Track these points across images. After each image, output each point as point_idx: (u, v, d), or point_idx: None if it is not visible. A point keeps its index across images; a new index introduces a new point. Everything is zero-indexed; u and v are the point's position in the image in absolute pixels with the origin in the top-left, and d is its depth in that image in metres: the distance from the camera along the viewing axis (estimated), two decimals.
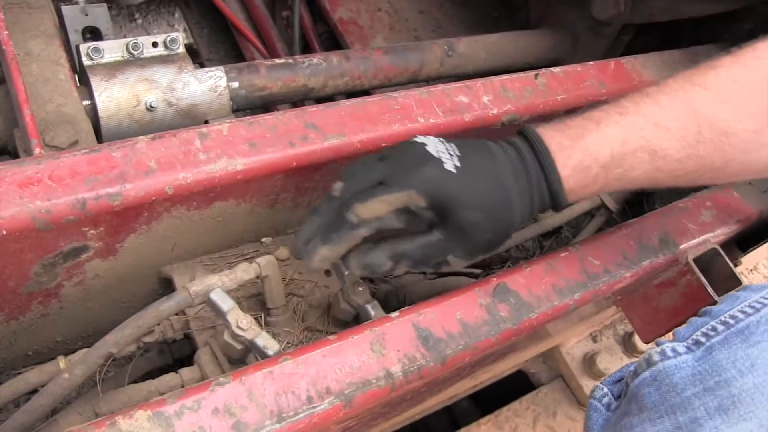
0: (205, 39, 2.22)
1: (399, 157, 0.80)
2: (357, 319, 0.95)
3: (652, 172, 0.83)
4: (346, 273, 0.88)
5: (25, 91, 0.86)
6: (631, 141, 0.82)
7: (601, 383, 1.02)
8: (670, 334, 1.05)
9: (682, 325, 0.93)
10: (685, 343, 0.87)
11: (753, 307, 0.87)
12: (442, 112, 0.99)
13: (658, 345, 0.89)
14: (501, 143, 0.84)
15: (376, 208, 0.77)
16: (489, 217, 0.79)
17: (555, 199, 0.82)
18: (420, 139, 0.81)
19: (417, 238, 0.80)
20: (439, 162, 0.78)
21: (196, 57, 2.13)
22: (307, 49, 1.89)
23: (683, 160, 0.82)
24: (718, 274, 1.05)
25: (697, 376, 0.83)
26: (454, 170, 0.77)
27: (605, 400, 0.99)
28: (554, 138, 0.83)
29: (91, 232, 0.78)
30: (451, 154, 0.79)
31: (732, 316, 0.87)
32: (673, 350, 0.87)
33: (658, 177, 0.85)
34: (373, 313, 0.91)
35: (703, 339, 0.87)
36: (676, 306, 1.08)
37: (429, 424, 1.54)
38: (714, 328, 0.87)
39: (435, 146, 0.80)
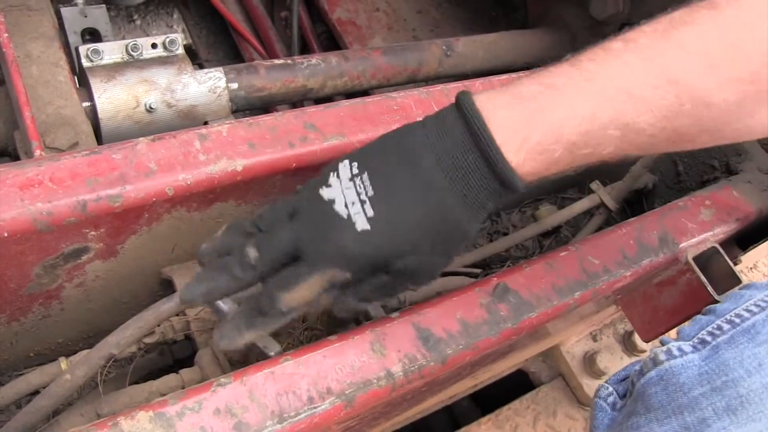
0: (203, 40, 2.22)
1: (308, 220, 0.71)
2: (357, 320, 0.96)
3: (622, 147, 0.71)
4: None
5: (25, 93, 0.87)
6: (601, 115, 0.68)
7: (606, 382, 1.02)
8: (674, 332, 1.05)
9: (687, 324, 0.93)
10: (691, 342, 0.87)
11: (758, 305, 0.87)
12: None
13: (663, 344, 0.89)
14: (426, 123, 0.72)
15: (302, 296, 0.69)
16: (430, 250, 0.71)
17: (509, 188, 0.70)
18: (326, 193, 0.71)
19: (371, 280, 0.72)
20: (349, 224, 0.68)
21: (195, 58, 2.13)
22: (305, 49, 1.90)
23: (657, 134, 0.70)
24: (718, 273, 1.05)
25: (704, 375, 0.83)
26: (368, 226, 0.68)
27: (610, 399, 0.99)
28: (502, 116, 0.69)
29: (92, 233, 0.79)
30: (363, 199, 0.69)
31: (737, 315, 0.87)
32: (679, 349, 0.87)
33: (626, 151, 0.73)
34: (373, 313, 0.91)
35: (708, 338, 0.87)
36: (676, 305, 1.08)
37: (429, 424, 1.54)
38: (720, 327, 0.87)
39: (343, 197, 0.70)
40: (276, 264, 0.70)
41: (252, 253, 0.70)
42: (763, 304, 0.87)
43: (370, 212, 0.68)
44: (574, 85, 0.69)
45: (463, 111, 0.70)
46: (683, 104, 0.68)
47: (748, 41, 0.68)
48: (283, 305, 0.69)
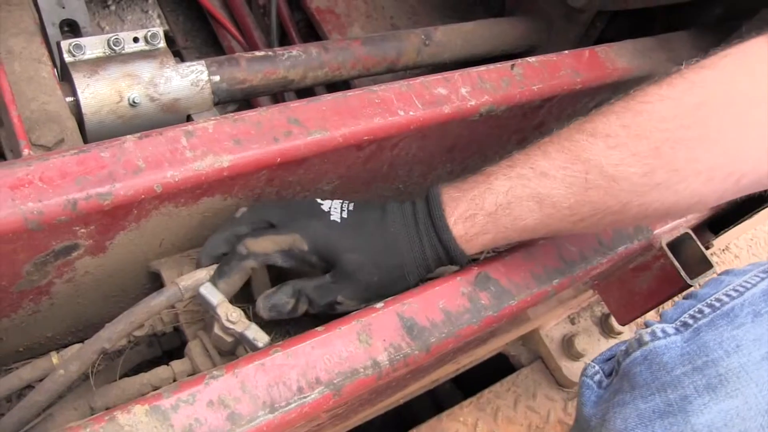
0: (180, 27, 2.20)
1: (293, 209, 0.90)
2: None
3: (544, 219, 0.84)
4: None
5: (11, 91, 0.87)
6: (516, 189, 0.84)
7: (592, 361, 1.05)
8: (657, 315, 1.08)
9: (669, 307, 0.97)
10: (674, 325, 0.91)
11: (737, 290, 0.90)
12: (421, 105, 1.01)
13: (647, 326, 0.93)
14: (403, 202, 0.91)
15: (264, 245, 0.85)
16: (373, 260, 0.86)
17: (445, 246, 0.87)
18: (320, 200, 0.92)
19: (313, 280, 0.87)
20: (326, 214, 0.88)
21: (172, 45, 2.12)
22: (284, 37, 1.90)
23: (574, 207, 0.83)
24: (691, 258, 1.09)
25: (686, 356, 0.87)
26: (338, 220, 0.88)
27: (597, 377, 1.03)
28: (448, 192, 0.89)
29: (82, 231, 0.80)
30: (342, 209, 0.89)
31: (717, 299, 0.91)
32: (663, 331, 0.91)
33: (553, 225, 0.86)
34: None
35: (690, 321, 0.91)
36: (651, 289, 1.12)
37: (413, 408, 1.58)
38: (701, 311, 0.91)
39: (330, 204, 0.90)
40: (252, 225, 0.89)
41: (241, 209, 0.92)
42: (741, 289, 0.90)
43: (345, 215, 0.89)
44: (500, 171, 0.87)
45: (428, 193, 0.90)
46: (591, 179, 0.81)
47: (651, 126, 0.80)
48: (244, 248, 0.85)
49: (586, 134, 0.83)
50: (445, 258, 0.88)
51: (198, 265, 0.90)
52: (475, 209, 0.86)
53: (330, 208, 0.89)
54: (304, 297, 0.87)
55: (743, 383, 0.82)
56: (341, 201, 0.91)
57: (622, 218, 0.84)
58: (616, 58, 1.26)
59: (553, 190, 0.83)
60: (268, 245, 0.85)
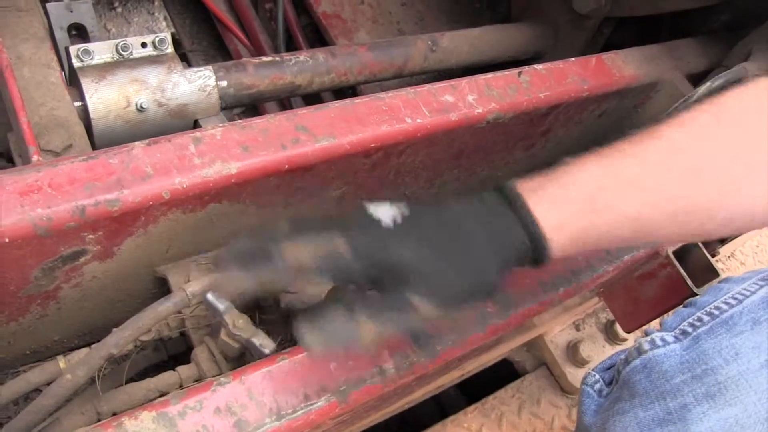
0: (187, 29, 2.21)
1: (338, 219, 0.74)
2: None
3: (642, 208, 0.76)
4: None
5: (20, 98, 0.87)
6: (611, 173, 0.76)
7: (592, 370, 1.06)
8: (657, 323, 1.08)
9: (669, 316, 0.97)
10: (673, 333, 0.91)
11: (736, 298, 0.90)
12: (428, 112, 1.02)
13: (647, 334, 0.93)
14: (463, 198, 0.77)
15: (299, 251, 0.70)
16: (441, 257, 0.71)
17: (531, 236, 0.74)
18: (367, 204, 0.75)
19: (370, 296, 0.71)
20: (375, 221, 0.73)
21: (179, 47, 2.12)
22: (290, 41, 1.90)
23: (672, 198, 0.76)
24: (697, 266, 1.09)
25: (685, 364, 0.87)
26: (392, 225, 0.72)
27: (597, 386, 1.03)
28: (522, 184, 0.77)
29: (90, 236, 0.80)
30: (394, 214, 0.74)
31: (716, 308, 0.90)
32: (662, 339, 0.91)
33: (650, 216, 0.77)
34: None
35: (689, 329, 0.90)
36: (656, 297, 1.12)
37: (417, 413, 1.58)
38: (700, 319, 0.91)
39: (377, 208, 0.74)
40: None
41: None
42: (740, 297, 0.90)
43: (399, 220, 0.73)
44: (583, 161, 0.77)
45: (501, 189, 0.77)
46: (682, 165, 0.76)
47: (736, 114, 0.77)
48: (278, 251, 0.70)
49: (675, 126, 0.78)
50: (531, 253, 0.75)
51: (216, 264, 0.84)
52: (566, 192, 0.75)
53: (380, 214, 0.74)
54: (363, 312, 0.70)
55: (742, 391, 0.82)
56: (390, 203, 0.75)
57: (709, 220, 0.78)
58: (623, 65, 1.26)
59: (649, 177, 0.75)
60: (303, 251, 0.70)
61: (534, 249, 0.74)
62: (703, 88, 1.17)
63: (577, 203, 0.74)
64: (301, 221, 0.75)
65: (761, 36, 1.31)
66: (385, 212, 0.73)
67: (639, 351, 0.93)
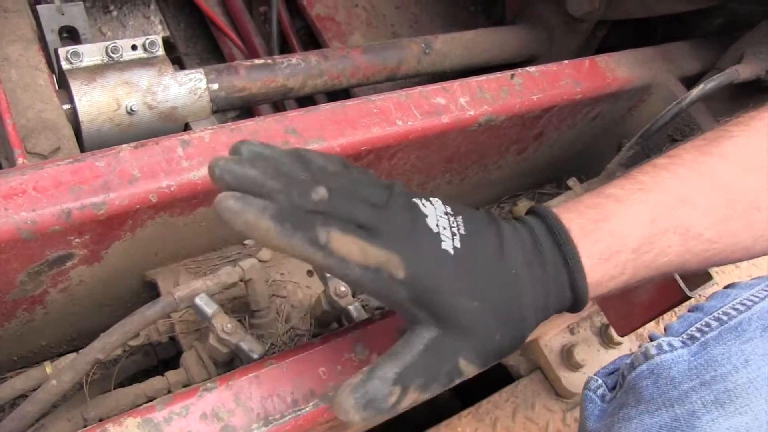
0: (182, 33, 2.21)
1: (397, 211, 0.65)
2: (339, 321, 0.97)
3: (683, 255, 0.75)
4: (328, 276, 0.90)
5: (6, 99, 0.86)
6: (660, 221, 0.74)
7: (595, 375, 1.04)
8: (654, 326, 1.07)
9: (675, 320, 0.95)
10: (681, 338, 0.90)
11: (744, 304, 0.89)
12: (420, 114, 1.01)
13: (653, 339, 0.92)
14: (513, 222, 0.72)
15: (350, 248, 0.61)
16: (494, 310, 0.66)
17: (576, 294, 0.70)
18: (423, 206, 0.67)
19: (411, 342, 0.65)
20: (436, 238, 0.65)
21: (173, 51, 2.12)
22: (285, 44, 1.90)
23: (714, 239, 0.76)
24: None
25: (693, 370, 0.86)
26: (451, 251, 0.65)
27: (600, 391, 1.02)
28: (574, 221, 0.71)
29: (77, 240, 0.79)
30: (453, 233, 0.67)
31: (725, 313, 0.89)
32: (669, 344, 0.89)
33: (688, 260, 0.77)
34: (356, 314, 0.92)
35: (697, 334, 0.89)
36: (651, 300, 1.11)
37: (411, 417, 1.57)
38: (708, 324, 0.89)
39: (436, 219, 0.67)
40: (337, 214, 0.62)
41: (321, 191, 0.62)
42: (749, 303, 0.89)
43: (458, 244, 0.66)
44: (632, 195, 0.74)
45: (540, 215, 0.72)
46: (734, 207, 0.75)
47: None
48: (326, 237, 0.60)
49: (717, 157, 0.76)
50: (567, 305, 0.72)
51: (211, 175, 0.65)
52: (620, 246, 0.72)
53: (438, 225, 0.66)
54: (413, 377, 0.64)
55: (752, 399, 0.81)
56: (448, 212, 0.68)
57: (745, 255, 0.79)
58: (616, 67, 1.26)
59: (696, 220, 0.74)
60: (354, 250, 0.61)
61: (573, 303, 0.72)
62: (696, 91, 1.16)
63: (627, 257, 0.72)
64: (350, 199, 0.64)
65: (753, 39, 1.31)
66: (438, 222, 0.66)
67: (645, 356, 0.91)
